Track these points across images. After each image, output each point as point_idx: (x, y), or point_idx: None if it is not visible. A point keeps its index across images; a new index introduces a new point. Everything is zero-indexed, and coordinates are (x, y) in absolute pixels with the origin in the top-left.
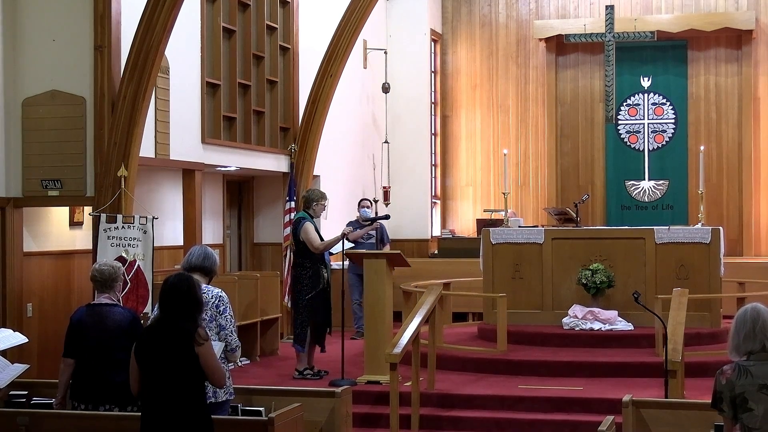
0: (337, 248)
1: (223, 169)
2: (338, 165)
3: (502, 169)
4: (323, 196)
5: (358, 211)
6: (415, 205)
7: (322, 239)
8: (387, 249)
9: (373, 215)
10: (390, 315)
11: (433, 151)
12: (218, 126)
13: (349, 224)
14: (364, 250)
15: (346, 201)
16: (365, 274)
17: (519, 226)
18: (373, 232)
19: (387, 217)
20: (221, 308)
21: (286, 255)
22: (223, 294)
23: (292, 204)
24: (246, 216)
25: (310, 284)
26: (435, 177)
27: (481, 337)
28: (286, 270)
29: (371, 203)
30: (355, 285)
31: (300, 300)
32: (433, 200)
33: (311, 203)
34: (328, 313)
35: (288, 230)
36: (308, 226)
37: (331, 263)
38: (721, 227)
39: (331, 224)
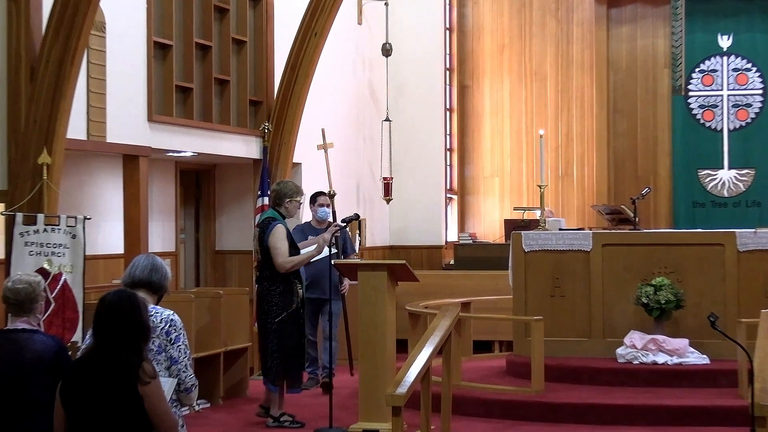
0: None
1: (175, 155)
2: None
3: (538, 155)
4: (298, 191)
5: (312, 210)
6: (425, 202)
7: (296, 250)
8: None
9: (331, 216)
10: (392, 344)
11: (448, 132)
12: (169, 99)
13: (298, 229)
14: (345, 260)
15: (338, 197)
16: (360, 289)
17: (560, 229)
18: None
19: (356, 217)
20: (173, 336)
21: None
22: (176, 317)
23: (266, 200)
24: (206, 216)
25: (280, 304)
26: (450, 165)
27: (511, 372)
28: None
29: (329, 199)
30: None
31: (268, 324)
32: (449, 195)
33: (283, 199)
34: (302, 342)
35: None
36: (279, 230)
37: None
38: None
39: None
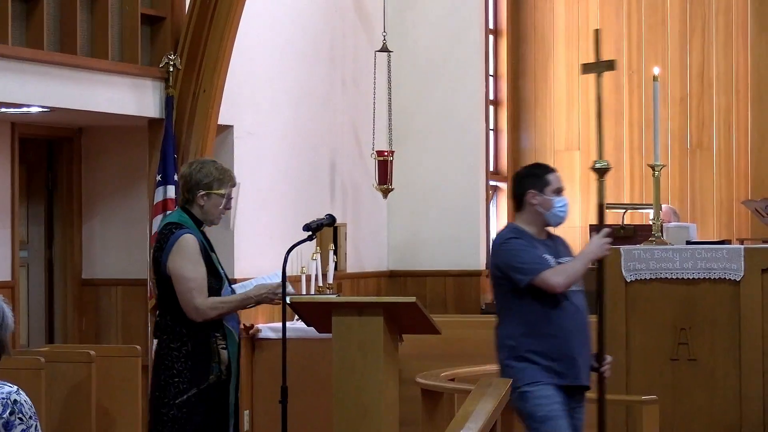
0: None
1: (12, 111)
2: (274, 103)
3: (649, 114)
4: (223, 178)
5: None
6: (451, 195)
7: (217, 279)
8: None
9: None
10: None
11: (491, 73)
12: (3, 19)
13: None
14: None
15: (290, 189)
16: (335, 348)
17: (687, 242)
18: None
19: (329, 221)
20: (15, 425)
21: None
22: (22, 397)
23: (171, 191)
24: (64, 219)
25: (186, 375)
26: (496, 131)
27: None
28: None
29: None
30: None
31: (163, 408)
32: (493, 183)
33: (195, 192)
34: None
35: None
36: (185, 245)
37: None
38: None
39: (263, 243)
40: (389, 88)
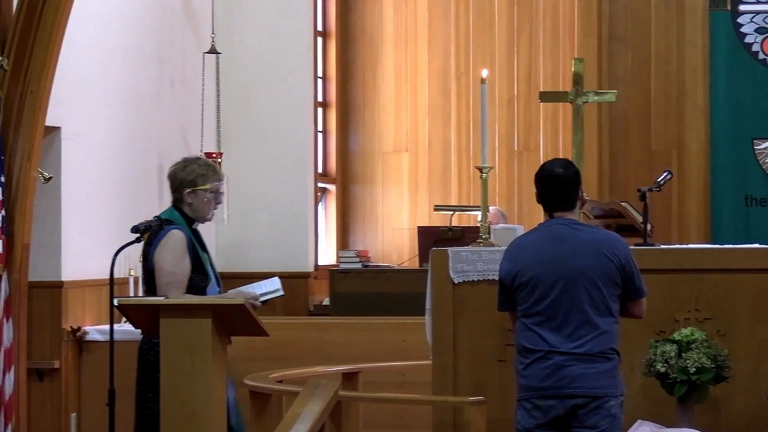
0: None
1: None
2: (102, 104)
3: (476, 116)
4: (208, 174)
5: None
6: (280, 197)
7: (203, 277)
8: None
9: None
10: None
11: (319, 74)
12: None
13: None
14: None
15: (118, 191)
16: (163, 350)
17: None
18: None
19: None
20: None
21: None
22: None
23: None
24: None
25: None
26: (325, 133)
27: None
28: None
29: None
30: None
31: (148, 403)
32: (321, 185)
33: (182, 190)
34: None
35: None
36: (172, 240)
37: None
38: None
39: (91, 244)
40: (218, 90)
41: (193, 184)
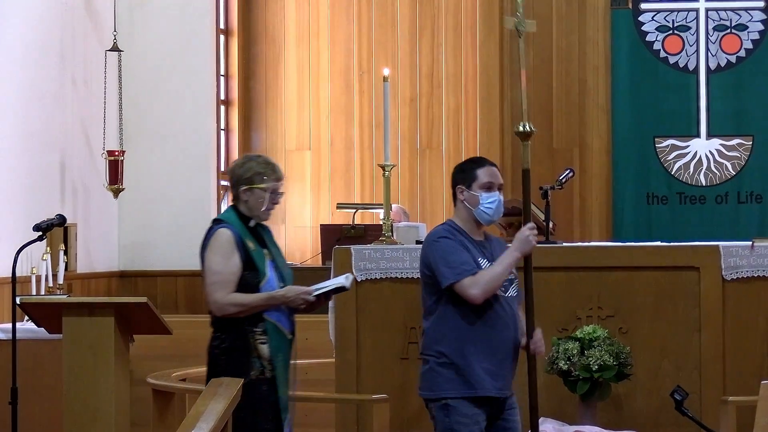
0: None
1: None
2: (3, 102)
3: (379, 114)
4: (266, 172)
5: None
6: (182, 195)
7: (255, 273)
8: None
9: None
10: None
11: (222, 71)
12: None
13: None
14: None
15: (20, 189)
16: (65, 350)
17: (418, 242)
18: None
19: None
20: None
21: None
22: None
23: None
24: None
25: (230, 371)
26: (227, 131)
27: None
28: None
29: None
30: None
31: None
32: (224, 183)
33: (238, 187)
34: None
35: None
36: (220, 239)
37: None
38: None
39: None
40: (120, 88)
41: (249, 182)
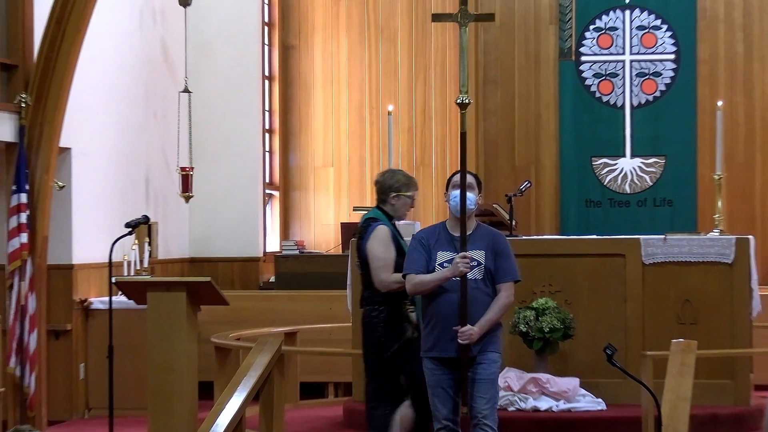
0: None
1: None
2: (102, 130)
3: (385, 139)
4: (409, 183)
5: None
6: (236, 200)
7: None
8: None
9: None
10: (193, 389)
11: (267, 108)
12: None
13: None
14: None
15: (115, 196)
16: (150, 317)
17: (413, 236)
18: None
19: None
20: None
21: (12, 285)
22: None
23: (23, 198)
24: None
25: (390, 334)
26: (271, 151)
27: (350, 424)
28: (12, 310)
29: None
30: None
31: (379, 362)
32: (268, 191)
33: (387, 194)
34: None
35: (16, 243)
36: (380, 233)
37: None
38: (752, 237)
39: (96, 235)
40: (189, 120)
41: (398, 189)
